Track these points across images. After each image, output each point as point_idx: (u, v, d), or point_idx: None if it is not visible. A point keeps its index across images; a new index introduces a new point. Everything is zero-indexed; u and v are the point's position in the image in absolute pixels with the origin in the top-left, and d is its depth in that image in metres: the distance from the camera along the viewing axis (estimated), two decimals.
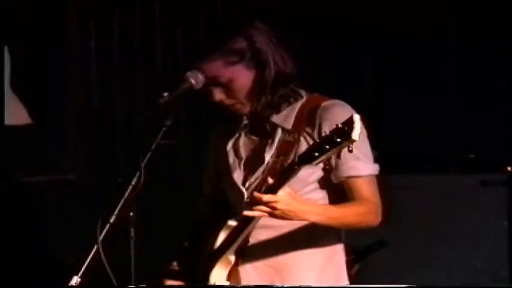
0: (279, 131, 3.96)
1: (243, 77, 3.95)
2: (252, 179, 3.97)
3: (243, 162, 4.04)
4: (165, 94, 3.78)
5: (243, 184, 3.98)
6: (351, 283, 4.20)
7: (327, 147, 3.52)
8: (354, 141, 3.46)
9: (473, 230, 5.44)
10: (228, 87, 3.94)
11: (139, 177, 3.68)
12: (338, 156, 3.59)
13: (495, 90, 6.17)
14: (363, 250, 5.04)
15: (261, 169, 3.96)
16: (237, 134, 4.05)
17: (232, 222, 3.89)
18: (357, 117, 3.46)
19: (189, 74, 3.85)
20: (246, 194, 3.93)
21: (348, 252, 4.24)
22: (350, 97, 3.93)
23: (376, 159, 4.79)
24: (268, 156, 3.95)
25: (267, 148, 3.97)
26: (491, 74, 6.13)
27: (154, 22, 5.93)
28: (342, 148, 3.52)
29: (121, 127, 5.77)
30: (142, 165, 3.68)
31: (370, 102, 5.36)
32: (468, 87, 6.20)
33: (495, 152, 5.65)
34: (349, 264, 4.79)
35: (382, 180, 4.57)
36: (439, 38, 6.25)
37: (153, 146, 3.74)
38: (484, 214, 5.44)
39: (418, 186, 5.56)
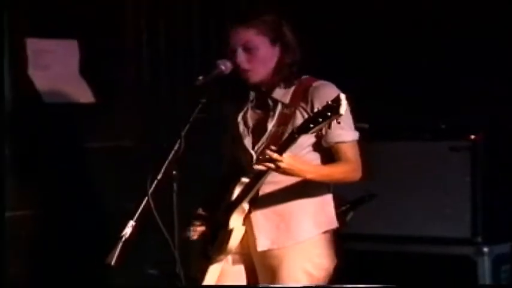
0: (279, 105, 4.04)
1: (267, 50, 4.00)
2: (259, 144, 4.04)
3: (250, 130, 4.12)
4: (200, 78, 3.90)
5: (252, 148, 4.07)
6: (341, 224, 4.29)
7: (320, 120, 3.65)
8: (341, 115, 3.60)
9: (443, 186, 5.41)
10: (251, 53, 3.99)
11: (180, 143, 3.76)
12: (329, 127, 3.70)
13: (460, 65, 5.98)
14: (356, 201, 5.09)
15: (265, 136, 4.05)
16: (245, 108, 4.14)
17: (244, 179, 4.00)
18: (342, 96, 3.60)
19: (219, 61, 3.98)
20: (254, 156, 4.03)
21: (339, 203, 4.25)
22: (337, 75, 3.99)
23: (367, 130, 4.98)
24: (270, 126, 4.03)
25: (269, 119, 4.05)
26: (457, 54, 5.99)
27: (192, 17, 5.76)
28: (332, 121, 3.64)
29: (167, 101, 5.67)
30: (183, 134, 3.77)
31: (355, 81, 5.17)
32: (440, 63, 6.02)
33: (461, 122, 5.57)
34: (346, 212, 5.01)
35: (369, 146, 4.74)
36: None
37: (191, 119, 3.84)
38: (451, 173, 5.40)
39: (398, 151, 5.53)
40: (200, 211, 4.19)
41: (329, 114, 3.63)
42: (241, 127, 4.14)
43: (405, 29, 6.03)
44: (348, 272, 4.51)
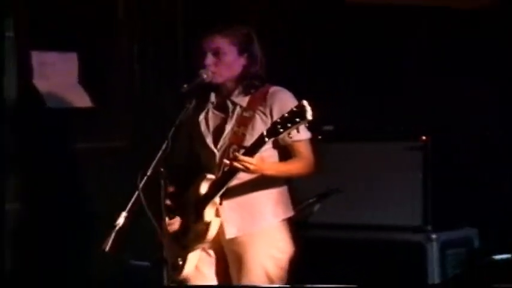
0: (238, 108, 4.05)
1: (233, 57, 4.03)
2: (220, 143, 4.04)
3: (211, 130, 4.09)
4: (185, 85, 3.96)
5: (215, 147, 4.05)
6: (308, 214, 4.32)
7: (289, 125, 3.68)
8: (309, 120, 3.65)
9: (398, 181, 5.39)
10: (219, 58, 4.00)
11: (167, 144, 3.79)
12: (298, 131, 3.72)
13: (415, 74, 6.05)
14: (321, 194, 5.07)
15: (224, 136, 4.04)
16: (206, 109, 4.13)
17: (210, 176, 3.98)
18: (305, 103, 3.65)
19: (201, 71, 4.01)
20: (217, 154, 4.02)
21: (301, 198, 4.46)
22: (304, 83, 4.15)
23: (331, 132, 4.97)
24: (229, 127, 4.05)
25: (228, 120, 4.06)
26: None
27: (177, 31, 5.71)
28: (300, 125, 3.69)
29: (155, 106, 5.60)
30: (170, 135, 3.81)
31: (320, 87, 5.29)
32: (398, 71, 6.03)
33: (414, 125, 5.56)
34: (313, 204, 5.03)
35: (333, 146, 4.74)
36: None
37: (177, 122, 3.88)
38: (405, 170, 5.39)
39: (359, 150, 5.49)
40: (168, 202, 4.14)
41: (297, 120, 3.68)
42: (203, 127, 4.15)
43: (365, 40, 6.02)
44: (312, 258, 4.60)
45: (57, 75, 5.34)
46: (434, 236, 5.36)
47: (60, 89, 5.34)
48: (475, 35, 6.19)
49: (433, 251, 5.35)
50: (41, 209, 5.17)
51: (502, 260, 5.31)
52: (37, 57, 5.24)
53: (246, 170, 3.87)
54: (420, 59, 6.12)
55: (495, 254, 5.35)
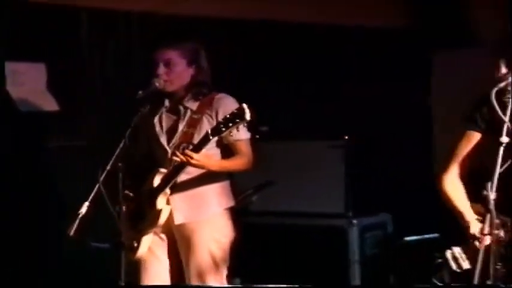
0: (188, 111, 4.04)
1: (183, 68, 4.02)
2: (172, 142, 4.03)
3: (165, 131, 4.08)
4: (140, 92, 3.95)
5: (167, 145, 4.04)
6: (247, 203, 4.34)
7: (230, 124, 3.69)
8: (248, 121, 3.67)
9: (324, 174, 5.44)
10: (170, 68, 3.99)
11: (124, 142, 3.80)
12: (237, 130, 3.73)
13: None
14: (258, 186, 5.06)
15: (176, 136, 4.03)
16: (160, 112, 4.11)
17: (163, 170, 3.98)
18: (245, 106, 3.67)
19: (154, 80, 4.00)
20: (169, 152, 4.00)
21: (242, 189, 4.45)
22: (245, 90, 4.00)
23: (267, 132, 4.98)
24: (181, 127, 4.04)
25: (180, 122, 4.06)
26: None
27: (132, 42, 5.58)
28: (240, 125, 3.69)
29: (115, 110, 5.30)
30: (127, 135, 3.81)
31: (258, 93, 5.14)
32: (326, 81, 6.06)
33: (337, 126, 5.66)
34: (251, 194, 5.04)
35: (268, 144, 4.74)
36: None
37: (133, 124, 3.86)
38: (330, 165, 5.44)
39: (290, 148, 5.54)
40: (127, 192, 4.06)
41: (238, 120, 3.69)
42: (158, 128, 4.12)
43: (295, 53, 6.03)
44: (251, 241, 4.61)
45: (28, 83, 5.24)
46: (354, 221, 5.42)
47: (30, 95, 5.25)
48: (391, 50, 6.31)
49: (354, 234, 5.41)
50: (13, 198, 5.07)
51: (411, 241, 5.43)
52: (10, 67, 5.15)
53: (192, 164, 3.86)
54: (343, 70, 6.15)
55: (406, 236, 5.48)
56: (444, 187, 3.21)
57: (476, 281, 2.69)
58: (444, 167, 3.24)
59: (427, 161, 6.38)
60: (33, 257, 5.08)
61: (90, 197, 3.79)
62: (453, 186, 3.21)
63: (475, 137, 3.17)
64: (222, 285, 4.10)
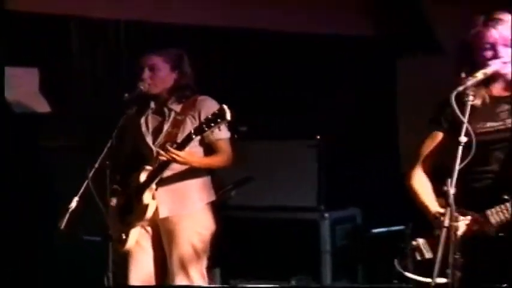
0: (172, 113, 4.04)
1: (166, 73, 4.06)
2: (158, 141, 4.03)
3: (151, 131, 4.08)
4: (126, 95, 3.97)
5: (153, 144, 4.04)
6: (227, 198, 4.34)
7: (212, 124, 3.70)
8: (228, 121, 3.68)
9: (299, 171, 5.42)
10: (154, 73, 4.03)
11: (112, 142, 3.84)
12: (219, 129, 3.75)
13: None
14: (237, 182, 5.00)
15: (161, 136, 4.03)
16: (146, 113, 4.11)
17: (148, 167, 3.98)
18: (225, 107, 3.67)
19: (140, 83, 4.01)
20: (155, 151, 4.00)
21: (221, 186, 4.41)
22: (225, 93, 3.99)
23: (246, 132, 4.99)
24: (165, 128, 4.03)
25: (165, 122, 4.05)
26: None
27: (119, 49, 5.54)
28: (221, 125, 3.70)
29: (104, 111, 5.02)
30: (114, 134, 3.84)
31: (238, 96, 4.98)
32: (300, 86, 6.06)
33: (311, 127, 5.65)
34: (231, 190, 5.03)
35: (247, 143, 4.73)
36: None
37: (120, 125, 3.89)
38: (304, 162, 5.43)
39: (268, 147, 5.51)
40: (116, 187, 4.11)
41: (219, 120, 3.69)
42: (144, 128, 4.12)
43: (272, 57, 6.03)
44: (231, 234, 4.61)
45: (22, 86, 5.21)
46: (326, 214, 5.41)
47: (24, 97, 5.22)
48: (359, 56, 6.33)
49: (325, 227, 5.40)
50: (9, 194, 5.02)
51: (378, 233, 5.45)
52: (7, 72, 5.09)
53: (176, 161, 3.87)
54: (315, 76, 6.14)
55: (373, 229, 5.50)
56: (411, 183, 3.21)
57: (436, 269, 2.70)
58: (411, 165, 3.23)
59: (393, 159, 6.40)
60: (29, 250, 5.04)
61: (80, 193, 3.79)
62: (419, 182, 3.20)
63: (439, 136, 3.17)
64: (212, 286, 4.13)
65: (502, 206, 2.95)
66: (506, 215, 2.93)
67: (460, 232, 2.88)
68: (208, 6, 5.65)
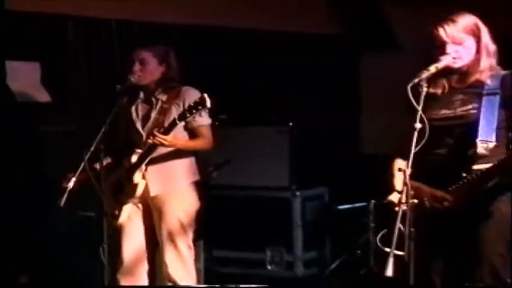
0: (159, 102, 4.02)
1: (154, 66, 4.03)
2: (146, 127, 4.02)
3: (140, 118, 4.06)
4: (118, 86, 3.96)
5: (142, 130, 4.03)
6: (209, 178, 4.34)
7: (194, 111, 3.70)
8: (208, 108, 3.68)
9: (272, 154, 5.42)
10: (143, 66, 4.01)
11: (105, 128, 3.82)
12: (200, 116, 3.76)
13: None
14: (218, 164, 4.95)
15: (150, 122, 4.02)
16: (136, 103, 4.10)
17: (138, 150, 3.97)
18: (206, 95, 3.68)
19: (130, 76, 3.99)
20: (144, 135, 3.99)
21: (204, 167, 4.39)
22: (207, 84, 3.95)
23: (225, 119, 4.96)
24: (153, 115, 4.02)
25: (153, 110, 4.03)
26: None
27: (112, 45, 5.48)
28: (202, 111, 3.71)
29: (98, 101, 5.15)
30: (108, 121, 3.83)
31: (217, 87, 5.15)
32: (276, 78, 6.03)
33: (284, 114, 5.59)
34: (212, 171, 5.02)
35: (226, 130, 4.71)
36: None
37: (112, 112, 3.87)
38: (277, 146, 5.42)
39: (244, 133, 5.51)
40: (109, 168, 4.07)
41: (200, 107, 3.69)
42: (134, 115, 4.10)
43: (247, 53, 6.02)
44: (213, 210, 4.61)
45: (24, 78, 5.17)
46: (297, 193, 5.43)
47: (26, 88, 5.16)
48: (328, 52, 6.33)
49: (297, 204, 5.42)
50: (11, 175, 4.99)
51: (343, 208, 5.48)
52: (9, 65, 5.07)
53: (163, 144, 3.86)
54: (288, 70, 6.14)
55: (339, 205, 5.53)
56: (392, 165, 3.15)
57: (394, 241, 2.68)
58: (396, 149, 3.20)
59: (356, 143, 6.53)
60: (31, 224, 5.01)
61: (77, 173, 3.79)
62: (397, 165, 3.12)
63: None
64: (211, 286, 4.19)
65: (460, 184, 2.95)
66: (464, 192, 2.94)
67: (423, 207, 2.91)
68: (189, 7, 5.62)
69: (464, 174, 2.95)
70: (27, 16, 5.06)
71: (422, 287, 2.97)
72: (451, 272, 3.05)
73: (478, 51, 3.06)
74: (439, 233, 3.01)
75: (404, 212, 2.74)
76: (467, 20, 3.06)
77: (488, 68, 3.06)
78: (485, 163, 2.94)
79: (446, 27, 3.02)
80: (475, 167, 2.95)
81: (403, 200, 2.75)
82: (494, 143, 2.93)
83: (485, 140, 2.92)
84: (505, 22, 4.61)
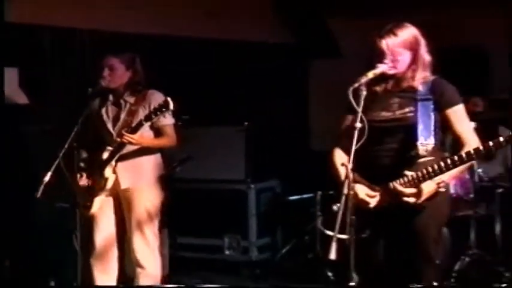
0: (127, 104, 4.00)
1: (122, 72, 4.00)
2: (116, 127, 3.99)
3: (111, 119, 4.03)
4: (90, 89, 3.97)
5: (113, 129, 4.01)
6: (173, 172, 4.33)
7: (158, 113, 3.70)
8: (171, 110, 3.66)
9: (231, 151, 5.40)
10: (112, 71, 3.98)
11: (77, 128, 3.84)
12: (164, 116, 3.77)
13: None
14: (181, 160, 4.68)
15: (119, 123, 4.00)
16: (106, 105, 4.07)
17: (109, 148, 3.94)
18: (169, 99, 3.66)
19: (100, 80, 3.97)
20: (114, 134, 3.97)
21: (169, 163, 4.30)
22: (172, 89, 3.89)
23: (187, 120, 4.95)
24: (122, 116, 4.00)
25: (122, 112, 4.01)
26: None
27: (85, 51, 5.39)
28: (165, 113, 3.71)
29: (73, 103, 4.90)
30: (80, 121, 3.84)
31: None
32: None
33: (241, 115, 5.59)
34: (176, 166, 4.97)
35: (189, 130, 4.69)
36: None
37: (85, 113, 3.91)
38: (235, 144, 5.38)
39: (206, 132, 5.46)
40: (81, 165, 4.08)
41: (164, 109, 3.68)
42: (105, 117, 4.07)
43: (208, 61, 5.96)
44: (177, 202, 4.59)
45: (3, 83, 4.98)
46: (252, 185, 5.42)
47: (6, 91, 4.95)
48: (280, 61, 6.37)
49: (252, 195, 5.41)
50: None
51: (293, 199, 5.50)
52: None
53: (131, 142, 3.85)
54: (244, 76, 6.14)
55: (290, 196, 5.54)
56: (332, 158, 3.16)
57: (337, 228, 2.68)
58: (334, 144, 3.19)
59: (305, 140, 6.57)
60: (10, 215, 4.86)
61: (52, 168, 3.76)
62: (337, 157, 3.14)
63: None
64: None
65: (401, 180, 2.94)
66: (406, 186, 2.93)
67: (372, 204, 2.93)
68: (150, 19, 5.61)
69: (407, 172, 2.93)
70: (7, 26, 4.91)
71: (363, 269, 2.97)
72: (389, 254, 3.05)
73: (415, 62, 3.06)
74: (377, 220, 3.00)
75: (346, 201, 2.74)
76: (407, 33, 3.06)
77: (421, 77, 3.08)
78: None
79: (387, 39, 3.02)
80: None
81: (345, 191, 2.75)
82: (432, 145, 2.93)
83: (425, 143, 2.92)
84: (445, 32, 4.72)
